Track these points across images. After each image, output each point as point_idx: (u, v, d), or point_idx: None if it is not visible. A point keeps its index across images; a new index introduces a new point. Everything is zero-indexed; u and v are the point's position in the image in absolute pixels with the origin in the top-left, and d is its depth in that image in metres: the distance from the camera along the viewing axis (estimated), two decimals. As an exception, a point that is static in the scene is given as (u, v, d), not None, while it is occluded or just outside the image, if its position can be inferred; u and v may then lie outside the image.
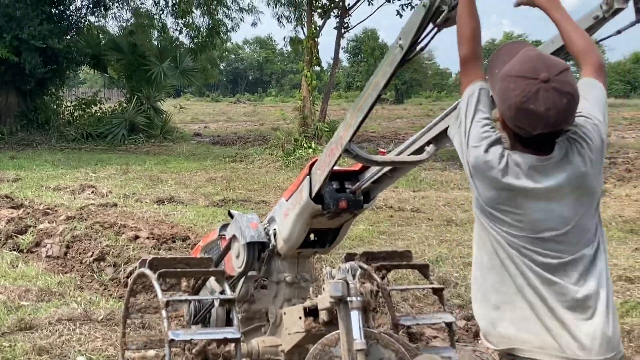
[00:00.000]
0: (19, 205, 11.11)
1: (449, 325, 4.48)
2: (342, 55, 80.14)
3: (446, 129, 3.09)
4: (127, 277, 7.00)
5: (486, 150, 2.48)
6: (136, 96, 27.12)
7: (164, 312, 3.76)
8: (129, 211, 10.89)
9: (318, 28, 21.92)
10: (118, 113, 27.31)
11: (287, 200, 4.13)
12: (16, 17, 24.58)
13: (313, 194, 3.84)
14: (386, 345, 3.64)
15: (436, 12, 2.85)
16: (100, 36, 29.36)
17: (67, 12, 28.64)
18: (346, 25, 23.87)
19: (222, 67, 75.31)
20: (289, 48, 30.47)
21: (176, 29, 30.61)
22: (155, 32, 30.54)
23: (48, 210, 10.56)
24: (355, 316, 3.44)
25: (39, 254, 8.46)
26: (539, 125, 2.40)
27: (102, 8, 29.94)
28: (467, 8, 2.64)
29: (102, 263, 7.90)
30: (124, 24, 30.78)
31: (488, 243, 2.57)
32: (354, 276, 3.54)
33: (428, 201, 12.45)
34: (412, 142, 3.68)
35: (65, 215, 9.88)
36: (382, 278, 4.57)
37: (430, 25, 2.92)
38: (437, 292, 4.58)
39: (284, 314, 4.12)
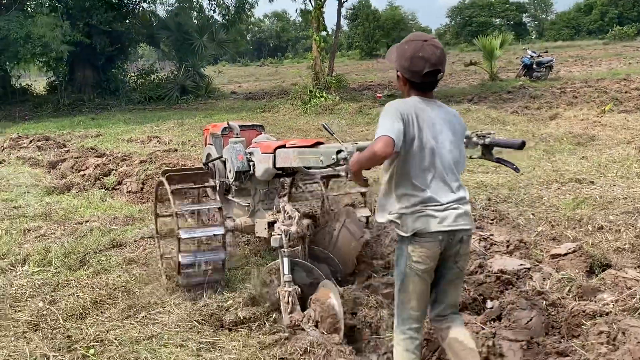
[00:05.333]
0: (102, 155, 11.21)
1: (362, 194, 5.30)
2: (343, 21, 78.84)
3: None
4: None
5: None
6: (184, 65, 27.00)
7: (175, 218, 4.46)
8: (187, 154, 10.98)
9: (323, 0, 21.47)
10: (171, 79, 27.23)
11: (262, 153, 4.51)
12: (86, 7, 24.38)
13: (276, 166, 4.32)
14: (305, 269, 4.06)
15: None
16: (152, 19, 29.12)
17: (125, 1, 28.33)
18: (345, -4, 23.37)
19: (248, 38, 74.30)
20: (299, 18, 29.99)
21: (211, 9, 30.34)
22: (195, 13, 30.23)
23: (125, 157, 10.65)
24: (285, 262, 3.91)
25: (121, 190, 8.55)
26: (426, 66, 2.74)
27: (151, -4, 29.65)
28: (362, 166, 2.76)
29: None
30: (169, 8, 30.48)
31: None
32: (290, 218, 4.13)
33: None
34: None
35: (138, 160, 9.99)
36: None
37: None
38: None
39: (256, 222, 4.71)
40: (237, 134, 5.09)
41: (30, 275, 5.14)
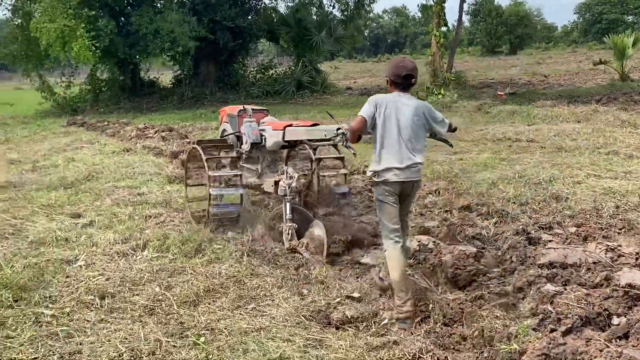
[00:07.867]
0: (221, 147, 11.54)
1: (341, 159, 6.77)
2: (464, 17, 76.83)
3: None
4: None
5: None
6: (301, 60, 27.39)
7: (206, 165, 6.13)
8: (301, 148, 11.07)
9: (444, -5, 21.04)
10: (288, 74, 27.72)
11: (272, 130, 5.97)
12: (211, 4, 25.31)
13: (285, 139, 5.80)
14: (301, 213, 5.73)
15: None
16: (273, 15, 29.70)
17: (248, -2, 29.16)
18: (467, -9, 22.79)
19: (366, 34, 74.24)
20: (419, 14, 29.60)
21: (330, 5, 30.52)
22: (314, 9, 30.55)
23: (242, 149, 10.90)
24: (287, 205, 5.49)
25: (237, 182, 8.73)
26: (405, 70, 4.29)
27: (273, -8, 30.28)
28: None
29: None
30: (290, 4, 30.99)
31: None
32: (291, 178, 5.56)
33: (541, 132, 11.83)
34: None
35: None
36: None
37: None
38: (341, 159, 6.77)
39: (265, 181, 6.18)
40: (250, 115, 6.58)
41: (149, 260, 5.37)
